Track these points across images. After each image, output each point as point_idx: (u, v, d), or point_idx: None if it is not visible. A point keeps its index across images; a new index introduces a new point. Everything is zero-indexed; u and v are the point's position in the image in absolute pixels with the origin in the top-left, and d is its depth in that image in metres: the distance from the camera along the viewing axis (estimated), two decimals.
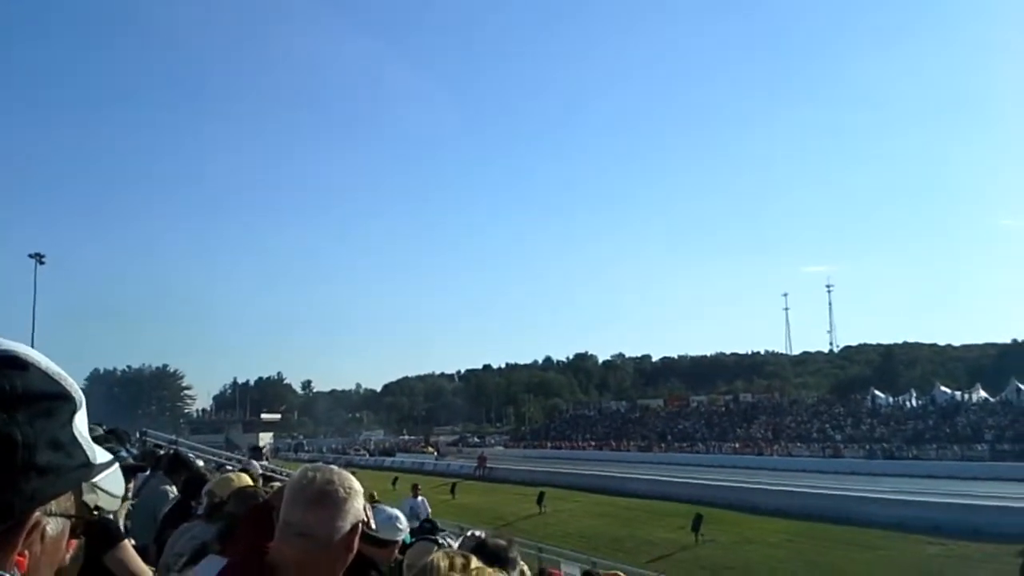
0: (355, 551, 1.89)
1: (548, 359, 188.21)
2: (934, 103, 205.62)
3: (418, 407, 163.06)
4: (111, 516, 3.52)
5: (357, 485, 1.94)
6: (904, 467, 48.00)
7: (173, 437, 21.36)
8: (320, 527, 1.81)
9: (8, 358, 0.81)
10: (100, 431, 5.25)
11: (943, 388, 70.35)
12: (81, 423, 0.87)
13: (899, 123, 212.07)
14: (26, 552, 0.78)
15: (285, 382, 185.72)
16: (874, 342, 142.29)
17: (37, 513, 0.78)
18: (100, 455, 0.89)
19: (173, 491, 6.37)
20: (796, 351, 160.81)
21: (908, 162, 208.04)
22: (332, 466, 1.99)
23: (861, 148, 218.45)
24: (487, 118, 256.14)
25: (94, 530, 3.35)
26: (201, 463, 9.02)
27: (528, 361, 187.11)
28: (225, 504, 3.89)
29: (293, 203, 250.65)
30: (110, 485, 0.91)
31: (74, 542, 0.89)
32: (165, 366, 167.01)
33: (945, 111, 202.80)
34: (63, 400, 0.84)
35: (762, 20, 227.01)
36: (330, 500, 1.84)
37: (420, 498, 19.19)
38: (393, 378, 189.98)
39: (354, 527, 1.86)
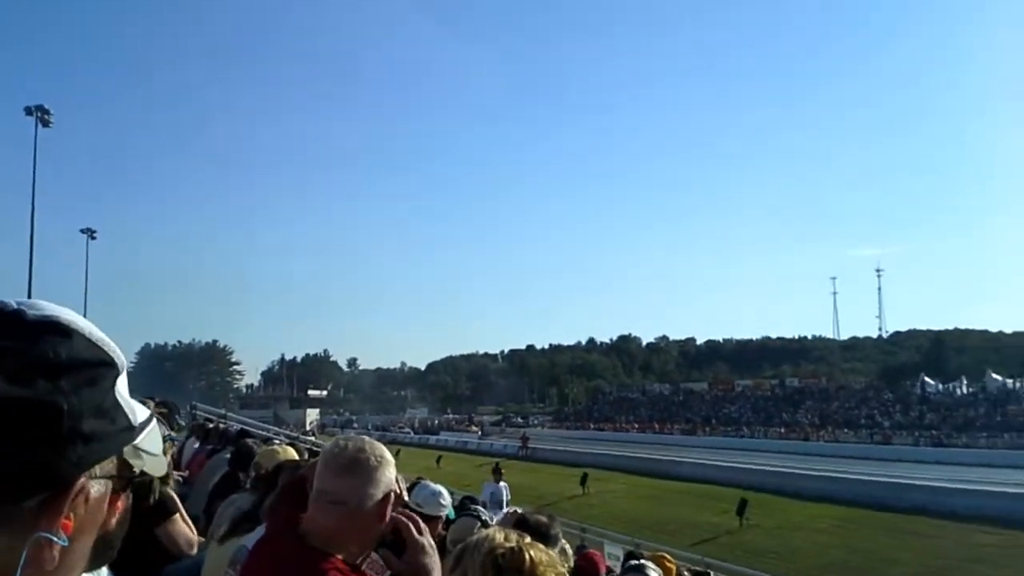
0: (387, 521, 1.92)
1: (591, 340, 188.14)
2: (986, 84, 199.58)
3: (462, 386, 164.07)
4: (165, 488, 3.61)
5: (389, 455, 1.98)
6: (954, 455, 47.32)
7: (223, 411, 21.73)
8: (351, 494, 1.86)
9: (52, 324, 0.81)
10: (151, 405, 5.36)
11: (994, 375, 69.20)
12: (123, 386, 0.87)
13: (949, 104, 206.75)
14: (71, 515, 0.78)
15: (331, 359, 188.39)
16: (924, 328, 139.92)
17: (82, 478, 0.79)
18: (140, 414, 0.89)
19: None
20: (844, 336, 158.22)
21: (960, 144, 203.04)
22: (364, 436, 2.04)
23: (910, 129, 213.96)
24: (536, 99, 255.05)
25: (149, 504, 3.43)
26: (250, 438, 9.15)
27: (571, 342, 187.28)
28: (270, 476, 3.95)
29: (340, 181, 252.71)
30: (149, 445, 0.90)
31: (120, 504, 0.89)
32: (215, 341, 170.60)
33: (999, 93, 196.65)
34: (106, 367, 0.84)
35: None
36: (361, 468, 1.89)
37: (502, 483, 17.64)
38: (437, 357, 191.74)
39: (386, 496, 1.90)
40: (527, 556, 1.76)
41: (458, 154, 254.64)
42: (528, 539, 1.85)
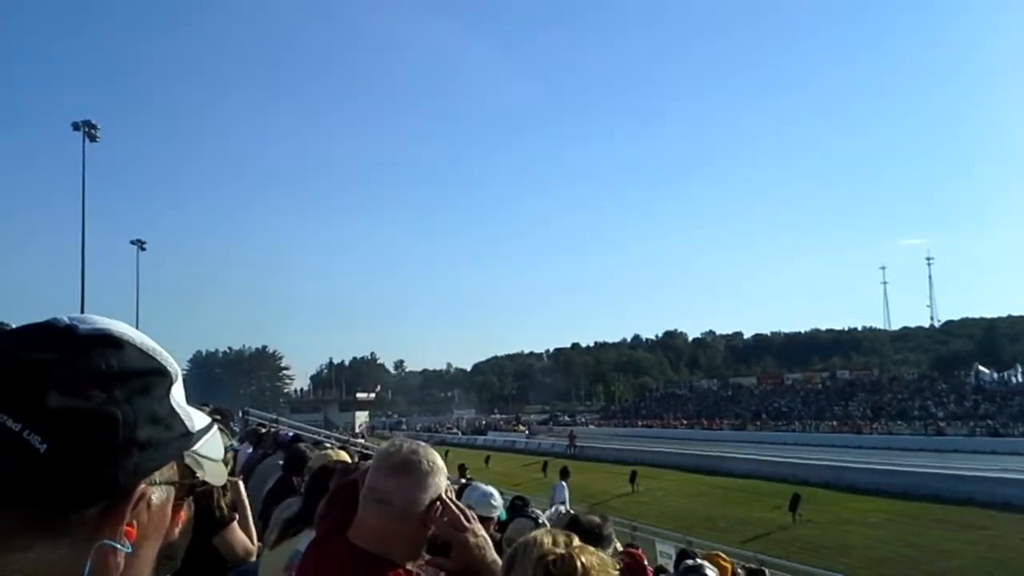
0: (431, 530, 1.92)
1: (636, 337, 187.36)
2: None
3: (508, 386, 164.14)
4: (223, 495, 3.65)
5: (442, 464, 1.98)
6: (1010, 445, 46.14)
7: (274, 416, 21.98)
8: (399, 494, 1.86)
9: (103, 336, 0.83)
10: (206, 411, 5.42)
11: None
12: (179, 394, 0.89)
13: (1000, 92, 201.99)
14: (134, 522, 0.79)
15: (378, 362, 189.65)
16: (976, 316, 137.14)
17: (142, 485, 0.80)
18: (199, 421, 0.91)
19: None
20: (895, 326, 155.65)
21: (1008, 129, 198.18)
22: (420, 441, 2.05)
23: (960, 115, 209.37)
24: (578, 102, 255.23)
25: (207, 514, 3.47)
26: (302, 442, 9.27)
27: (616, 339, 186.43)
28: (316, 477, 3.98)
29: (384, 186, 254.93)
30: (209, 451, 0.93)
31: (183, 515, 0.91)
32: (264, 347, 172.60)
33: None
34: (159, 375, 0.86)
35: None
36: (412, 469, 1.90)
37: (562, 482, 18.35)
38: (483, 357, 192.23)
39: (432, 503, 1.90)
40: (578, 563, 1.74)
41: (500, 156, 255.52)
42: (577, 542, 1.84)
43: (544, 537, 1.84)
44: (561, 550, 1.78)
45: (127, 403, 0.79)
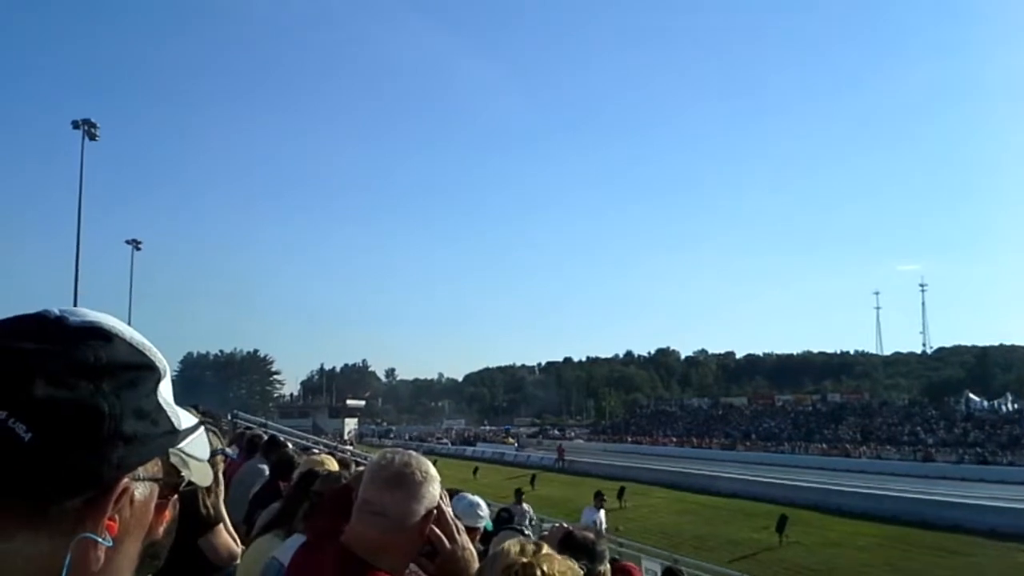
0: (426, 538, 1.93)
1: (629, 353, 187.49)
2: None
3: (499, 397, 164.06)
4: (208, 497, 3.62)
5: (435, 472, 1.99)
6: (998, 473, 46.36)
7: (263, 420, 21.90)
8: (394, 507, 1.87)
9: (93, 329, 0.83)
10: (195, 413, 5.36)
11: None
12: (166, 391, 0.88)
13: (995, 120, 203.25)
14: (116, 517, 0.79)
15: (370, 369, 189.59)
16: (969, 343, 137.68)
17: (125, 479, 0.80)
18: (185, 420, 0.90)
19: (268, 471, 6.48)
20: (887, 351, 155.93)
21: (1005, 158, 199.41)
22: (411, 451, 2.05)
23: (958, 141, 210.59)
24: (575, 116, 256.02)
25: (192, 516, 3.44)
26: (290, 446, 9.23)
27: (609, 355, 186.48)
28: (299, 482, 3.97)
29: (380, 196, 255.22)
30: (195, 449, 0.92)
31: (168, 514, 0.90)
32: (256, 351, 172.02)
33: None
34: (147, 370, 0.85)
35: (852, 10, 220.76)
36: (406, 482, 1.90)
37: (600, 511, 16.49)
38: (475, 368, 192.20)
39: (428, 512, 1.91)
40: (538, 571, 1.76)
41: (497, 169, 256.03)
42: (546, 550, 1.85)
43: (513, 546, 1.86)
44: (525, 559, 1.80)
45: (114, 396, 0.79)
